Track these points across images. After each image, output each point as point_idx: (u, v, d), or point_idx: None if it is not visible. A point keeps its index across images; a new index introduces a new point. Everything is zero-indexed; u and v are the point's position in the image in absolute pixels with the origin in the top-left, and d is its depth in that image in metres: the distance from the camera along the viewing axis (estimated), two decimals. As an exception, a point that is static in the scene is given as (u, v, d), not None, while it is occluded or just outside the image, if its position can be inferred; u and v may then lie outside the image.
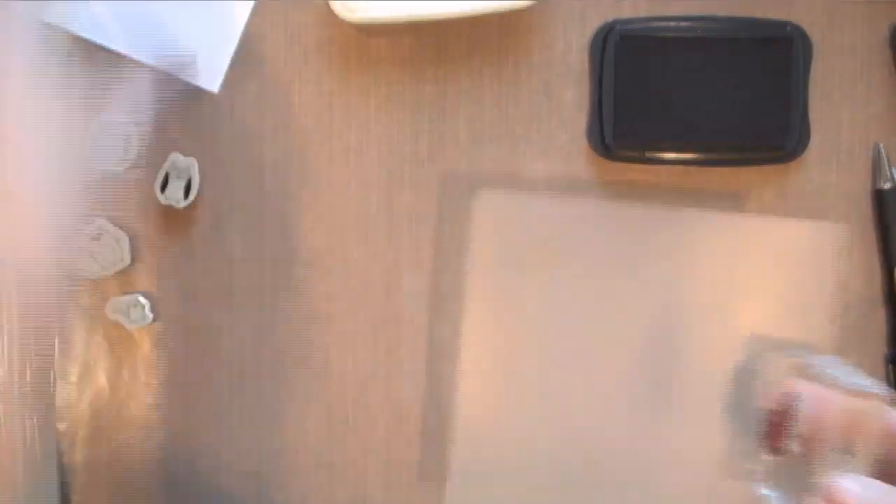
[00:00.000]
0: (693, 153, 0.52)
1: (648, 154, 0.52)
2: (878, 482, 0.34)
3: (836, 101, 0.52)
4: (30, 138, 0.50)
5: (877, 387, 0.35)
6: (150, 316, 0.52)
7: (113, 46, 0.51)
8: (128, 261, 0.53)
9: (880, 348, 0.53)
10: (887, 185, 0.52)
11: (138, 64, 0.52)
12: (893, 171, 0.52)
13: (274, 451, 0.53)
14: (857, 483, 0.34)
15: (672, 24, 0.51)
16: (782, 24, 0.51)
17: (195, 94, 0.53)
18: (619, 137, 0.51)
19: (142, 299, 0.52)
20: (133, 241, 0.53)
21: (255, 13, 0.53)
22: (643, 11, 0.52)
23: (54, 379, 0.54)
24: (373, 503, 0.53)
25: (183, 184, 0.53)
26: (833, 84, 0.52)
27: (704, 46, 0.51)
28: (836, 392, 0.35)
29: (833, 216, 0.53)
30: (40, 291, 0.53)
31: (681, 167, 0.52)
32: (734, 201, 0.53)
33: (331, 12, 0.51)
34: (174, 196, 0.52)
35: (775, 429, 0.37)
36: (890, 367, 0.52)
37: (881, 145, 0.52)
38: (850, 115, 0.52)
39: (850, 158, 0.53)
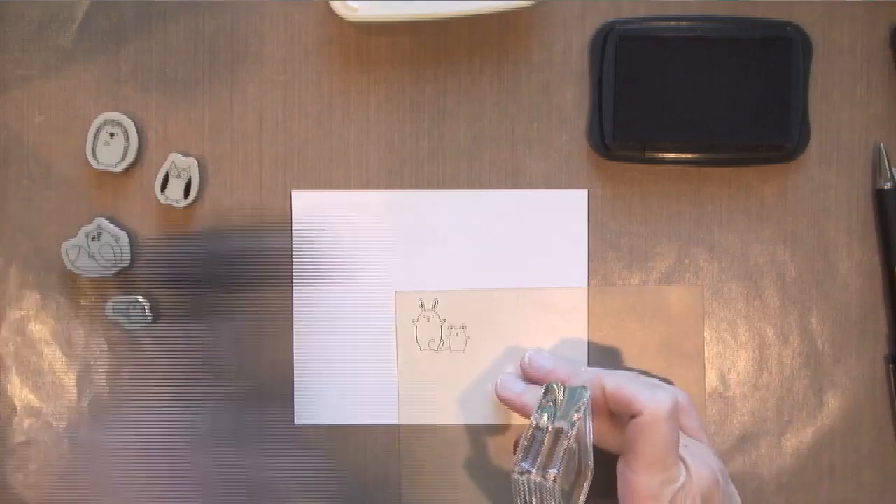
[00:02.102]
0: (693, 153, 0.51)
1: (648, 154, 0.52)
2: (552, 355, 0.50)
3: (837, 101, 0.52)
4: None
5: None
6: (150, 316, 0.52)
7: None
8: (128, 261, 0.53)
9: (881, 347, 0.53)
10: (888, 185, 0.52)
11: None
12: (894, 170, 0.52)
13: (287, 465, 0.53)
14: (537, 353, 0.50)
15: (672, 24, 0.51)
16: (782, 24, 0.51)
17: (195, 93, 0.53)
18: (619, 137, 0.51)
19: (141, 299, 0.52)
20: (133, 240, 0.53)
21: (255, 14, 0.53)
22: (643, 11, 0.52)
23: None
24: (372, 501, 0.53)
25: (183, 184, 0.53)
26: (833, 84, 0.52)
27: (704, 46, 0.51)
28: None
29: (833, 215, 0.53)
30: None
31: (681, 167, 0.52)
32: (735, 201, 0.53)
33: (331, 12, 0.51)
34: (174, 196, 0.52)
35: None
36: (890, 366, 0.52)
37: (881, 145, 0.52)
38: (850, 115, 0.52)
39: (850, 158, 0.53)
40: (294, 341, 0.53)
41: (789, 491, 0.53)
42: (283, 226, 0.53)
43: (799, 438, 0.53)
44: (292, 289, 0.53)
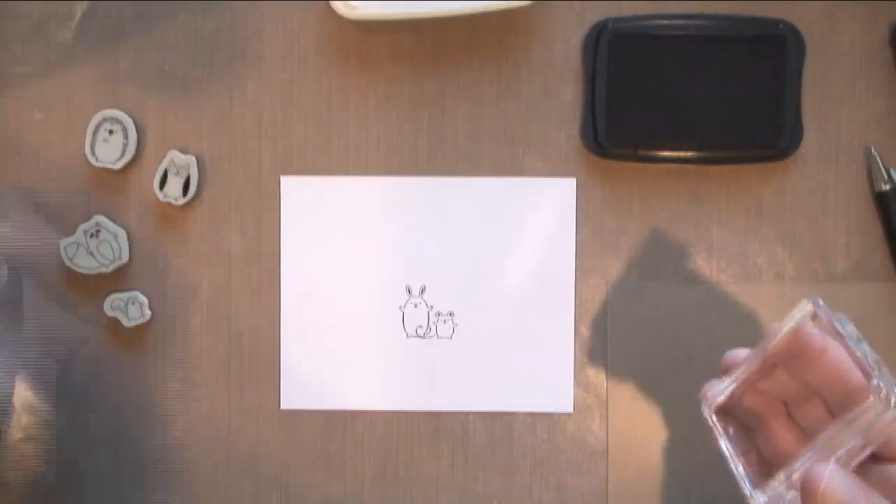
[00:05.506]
0: (686, 151, 0.51)
1: (641, 152, 0.52)
2: (852, 478, 0.35)
3: (836, 101, 0.52)
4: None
5: (880, 373, 0.35)
6: (148, 313, 0.52)
7: None
8: (126, 258, 0.53)
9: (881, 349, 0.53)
10: (886, 187, 0.52)
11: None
12: (892, 171, 0.52)
13: (272, 450, 0.53)
14: (834, 474, 0.35)
15: (665, 22, 0.51)
16: (775, 23, 0.51)
17: (194, 91, 0.53)
18: (612, 136, 0.51)
19: (140, 296, 0.52)
20: (131, 238, 0.53)
21: (255, 12, 0.53)
22: (642, 11, 0.52)
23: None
24: (370, 500, 0.53)
25: (181, 181, 0.53)
26: (832, 84, 0.52)
27: (697, 45, 0.51)
28: (844, 352, 0.36)
29: (832, 215, 0.53)
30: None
31: (679, 166, 0.52)
32: (733, 201, 0.53)
33: (331, 10, 0.51)
34: (173, 193, 0.53)
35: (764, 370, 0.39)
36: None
37: (871, 148, 0.52)
38: (848, 115, 0.52)
39: (849, 158, 0.52)
40: (281, 326, 0.53)
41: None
42: (282, 224, 0.53)
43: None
44: (280, 273, 0.53)
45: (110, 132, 0.53)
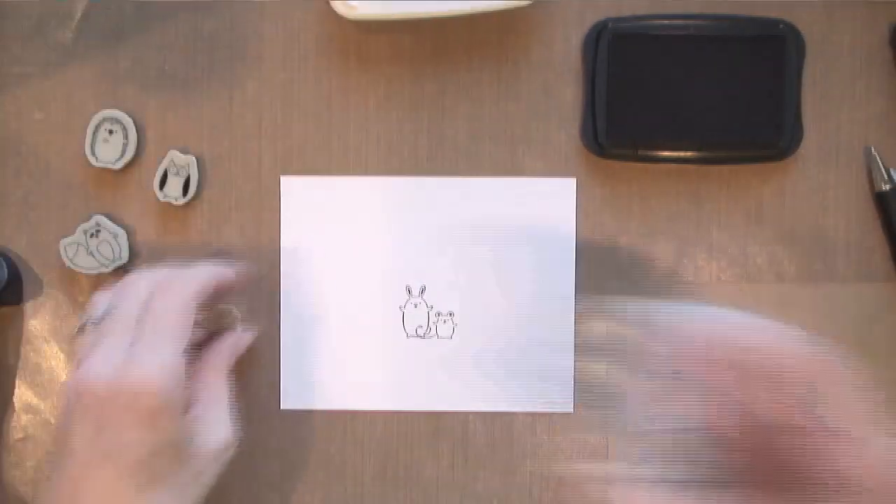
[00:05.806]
0: (686, 151, 0.52)
1: (641, 152, 0.52)
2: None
3: (835, 101, 0.52)
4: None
5: None
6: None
7: None
8: (126, 258, 0.53)
9: (880, 349, 0.53)
10: (886, 187, 0.52)
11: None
12: (892, 171, 0.52)
13: (272, 450, 0.53)
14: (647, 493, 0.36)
15: (665, 22, 0.51)
16: (775, 23, 0.51)
17: (194, 91, 0.53)
18: (612, 136, 0.51)
19: None
20: (131, 238, 0.53)
21: (255, 12, 0.53)
22: (642, 10, 0.52)
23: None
24: (370, 500, 0.53)
25: (181, 181, 0.53)
26: (832, 83, 0.52)
27: (697, 45, 0.51)
28: None
29: (832, 215, 0.53)
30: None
31: (679, 167, 0.52)
32: (732, 201, 0.53)
33: (330, 10, 0.51)
34: (173, 193, 0.53)
35: None
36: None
37: (871, 148, 0.52)
38: (848, 115, 0.52)
39: (849, 158, 0.53)
40: (281, 326, 0.53)
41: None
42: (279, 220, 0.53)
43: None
44: (280, 271, 0.53)
45: (110, 132, 0.53)
